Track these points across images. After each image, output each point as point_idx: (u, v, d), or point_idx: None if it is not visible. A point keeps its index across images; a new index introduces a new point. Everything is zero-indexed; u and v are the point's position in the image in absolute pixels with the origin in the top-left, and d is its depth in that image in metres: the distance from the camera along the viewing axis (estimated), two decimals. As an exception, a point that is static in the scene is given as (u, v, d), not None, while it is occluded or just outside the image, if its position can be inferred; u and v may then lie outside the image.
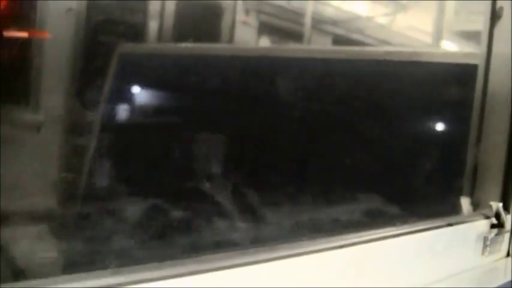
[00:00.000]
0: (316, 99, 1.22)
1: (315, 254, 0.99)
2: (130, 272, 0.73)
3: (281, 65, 1.25)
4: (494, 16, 1.51)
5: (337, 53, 1.50)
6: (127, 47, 0.95)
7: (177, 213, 0.93)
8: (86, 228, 0.88)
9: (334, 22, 1.66)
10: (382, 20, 2.16)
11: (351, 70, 1.38)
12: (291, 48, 1.42)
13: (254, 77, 1.14)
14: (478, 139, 1.56)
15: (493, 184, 1.57)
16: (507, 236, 1.56)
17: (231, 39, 1.18)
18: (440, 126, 1.54)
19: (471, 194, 1.55)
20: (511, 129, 1.54)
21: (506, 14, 1.52)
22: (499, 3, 1.52)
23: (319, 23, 1.51)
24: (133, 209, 0.92)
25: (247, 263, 0.87)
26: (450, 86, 1.52)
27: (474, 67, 1.54)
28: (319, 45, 1.52)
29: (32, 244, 0.80)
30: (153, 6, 1.00)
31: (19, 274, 0.74)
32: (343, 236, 1.06)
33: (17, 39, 0.80)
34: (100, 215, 0.89)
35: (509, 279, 1.45)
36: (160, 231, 0.92)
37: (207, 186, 0.96)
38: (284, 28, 1.39)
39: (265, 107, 1.14)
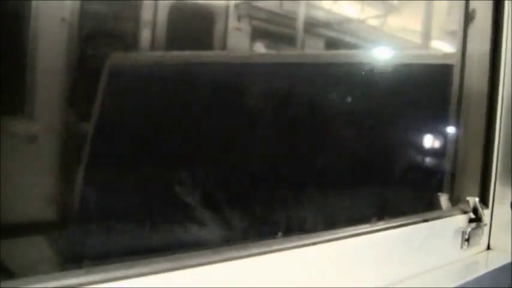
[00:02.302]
0: (292, 103, 1.25)
1: (288, 251, 1.02)
2: (102, 271, 0.77)
3: (270, 70, 1.28)
4: (468, 17, 1.56)
5: (322, 57, 1.53)
6: (119, 57, 0.97)
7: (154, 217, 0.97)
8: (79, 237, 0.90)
9: (327, 25, 1.68)
10: (373, 21, 2.18)
11: (331, 72, 1.41)
12: (281, 54, 1.45)
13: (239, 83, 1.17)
14: (457, 137, 1.60)
15: (472, 180, 1.62)
16: (486, 229, 1.61)
17: (224, 46, 1.20)
18: (419, 126, 1.58)
19: (451, 191, 1.59)
20: (487, 126, 1.58)
21: (479, 15, 1.56)
22: (471, 5, 1.56)
23: (311, 26, 1.54)
24: (126, 218, 0.95)
25: (219, 260, 0.91)
26: (428, 86, 1.56)
27: (450, 67, 1.58)
28: (311, 50, 1.55)
29: (25, 255, 0.82)
30: (146, 15, 1.02)
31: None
32: (317, 234, 1.10)
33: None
34: (93, 225, 0.92)
35: (488, 270, 1.49)
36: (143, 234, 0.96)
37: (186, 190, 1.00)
38: (277, 33, 1.42)
39: (256, 112, 1.18)
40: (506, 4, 1.57)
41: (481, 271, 1.49)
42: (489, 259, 1.60)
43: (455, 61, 1.58)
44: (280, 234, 1.04)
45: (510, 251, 1.62)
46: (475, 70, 1.57)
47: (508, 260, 1.57)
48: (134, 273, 0.81)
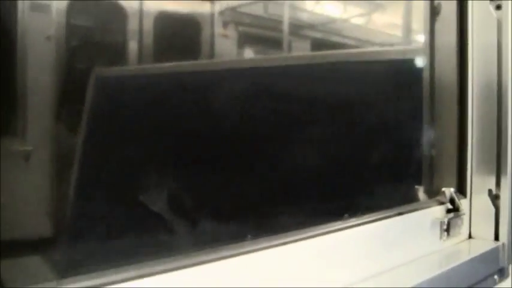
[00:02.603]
0: (268, 100, 1.27)
1: (259, 252, 1.05)
2: (74, 281, 0.80)
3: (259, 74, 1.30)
4: (434, 12, 1.59)
5: (290, 59, 1.55)
6: (104, 70, 0.98)
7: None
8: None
9: (311, 26, 1.70)
10: (358, 20, 2.20)
11: (305, 73, 1.43)
12: (268, 58, 1.47)
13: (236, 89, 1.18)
14: (431, 129, 1.63)
15: (449, 171, 1.64)
16: (466, 219, 1.63)
17: (211, 54, 1.21)
18: (393, 120, 1.60)
19: (428, 183, 1.62)
20: (460, 116, 1.61)
21: (444, 9, 1.59)
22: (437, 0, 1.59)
23: (296, 28, 1.55)
24: (118, 232, 0.98)
25: (189, 264, 0.94)
26: (400, 81, 1.58)
27: (420, 61, 1.61)
28: (297, 51, 1.57)
29: (20, 273, 0.83)
30: (131, 26, 1.03)
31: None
32: (287, 234, 1.12)
33: None
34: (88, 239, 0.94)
35: (469, 258, 1.52)
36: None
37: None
38: (264, 37, 1.43)
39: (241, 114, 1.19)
40: (470, -4, 1.60)
41: (463, 259, 1.51)
42: (471, 247, 1.63)
43: (424, 55, 1.61)
44: (249, 236, 1.06)
45: (491, 238, 1.64)
46: (444, 63, 1.60)
47: (489, 247, 1.59)
48: (103, 282, 0.84)
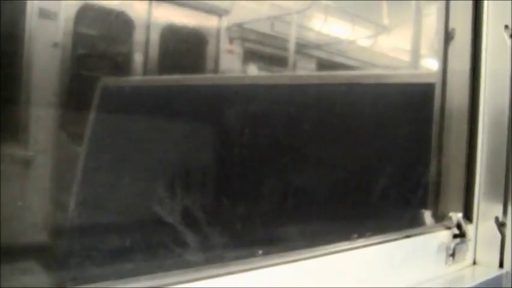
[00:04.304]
0: (276, 123, 1.28)
1: (269, 269, 1.05)
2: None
3: (264, 91, 1.30)
4: (448, 37, 1.60)
5: (298, 79, 1.56)
6: (110, 80, 0.98)
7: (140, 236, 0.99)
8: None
9: (317, 46, 1.70)
10: (364, 42, 2.21)
11: (314, 93, 1.44)
12: (272, 76, 1.47)
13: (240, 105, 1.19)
14: (439, 154, 1.63)
15: (456, 196, 1.64)
16: (471, 244, 1.63)
17: (216, 69, 1.21)
18: (404, 144, 1.60)
19: (435, 207, 1.61)
20: (469, 142, 1.61)
21: (458, 34, 1.60)
22: (451, 25, 1.60)
23: (302, 47, 1.56)
24: (110, 237, 0.97)
25: (200, 278, 0.94)
26: (411, 105, 1.59)
27: (432, 86, 1.61)
28: (302, 70, 1.57)
29: (20, 276, 0.83)
30: (138, 38, 1.03)
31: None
32: (297, 251, 1.12)
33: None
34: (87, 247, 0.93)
35: (473, 284, 1.51)
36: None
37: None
38: (269, 54, 1.43)
39: (240, 131, 1.19)
40: (485, 22, 1.60)
41: (467, 285, 1.51)
42: (475, 273, 1.62)
43: (436, 80, 1.61)
44: (260, 252, 1.06)
45: (496, 265, 1.64)
46: (456, 88, 1.60)
47: (493, 274, 1.59)
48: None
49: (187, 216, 1.01)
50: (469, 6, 1.58)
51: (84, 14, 0.94)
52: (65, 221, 0.93)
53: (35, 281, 0.85)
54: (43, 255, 0.89)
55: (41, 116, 0.89)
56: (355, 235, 1.27)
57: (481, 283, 1.53)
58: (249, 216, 1.12)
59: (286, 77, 1.40)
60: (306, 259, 1.12)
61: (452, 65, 1.60)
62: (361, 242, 1.26)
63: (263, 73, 1.45)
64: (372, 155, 1.49)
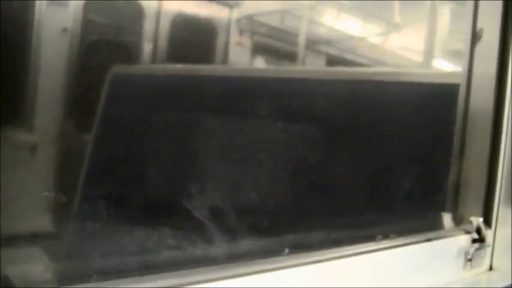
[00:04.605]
0: (302, 118, 1.25)
1: (293, 269, 1.02)
2: (111, 285, 0.77)
3: (274, 86, 1.28)
4: (475, 37, 1.56)
5: (325, 74, 1.53)
6: (121, 68, 0.97)
7: (159, 230, 0.96)
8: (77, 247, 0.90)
9: (328, 42, 1.68)
10: (375, 39, 2.18)
11: (336, 90, 1.41)
12: (282, 70, 1.45)
13: (247, 98, 1.17)
14: (461, 157, 1.60)
15: (476, 200, 1.61)
16: (489, 250, 1.60)
17: (225, 60, 1.20)
18: (424, 145, 1.57)
19: (454, 210, 1.58)
20: (492, 147, 1.58)
21: (486, 35, 1.56)
22: (479, 25, 1.56)
23: (312, 43, 1.53)
24: (125, 228, 0.95)
25: (226, 277, 0.91)
26: (434, 105, 1.56)
27: (456, 86, 1.58)
28: (310, 66, 1.56)
29: (25, 264, 0.81)
30: (148, 27, 1.02)
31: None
32: (323, 251, 1.10)
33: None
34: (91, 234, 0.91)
35: (491, 292, 1.49)
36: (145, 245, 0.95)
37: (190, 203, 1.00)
38: (278, 48, 1.42)
39: (256, 126, 1.18)
40: (514, 23, 1.57)
41: (484, 291, 1.48)
42: (491, 280, 1.59)
43: (461, 80, 1.58)
44: (286, 251, 1.03)
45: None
46: (481, 90, 1.57)
47: (509, 281, 1.56)
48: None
49: (213, 211, 0.98)
50: (498, 6, 1.55)
51: (94, 1, 0.92)
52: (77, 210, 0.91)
53: (39, 270, 0.82)
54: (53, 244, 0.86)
55: (49, 103, 0.87)
56: (380, 236, 1.24)
57: (497, 290, 1.51)
58: (276, 214, 1.09)
59: (298, 72, 1.37)
60: (332, 259, 1.09)
61: (478, 66, 1.57)
62: (385, 243, 1.23)
63: (272, 67, 1.44)
64: (394, 155, 1.46)
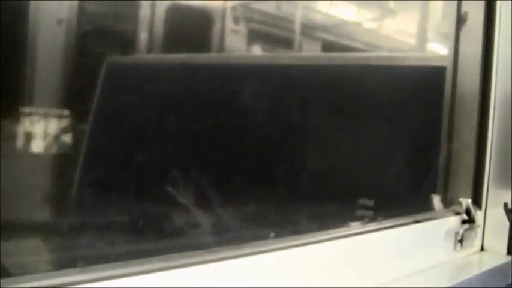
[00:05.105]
0: (288, 101, 1.26)
1: (280, 252, 1.03)
2: (98, 270, 0.78)
3: (269, 72, 1.29)
4: (460, 20, 1.57)
5: (311, 59, 1.54)
6: (117, 58, 0.97)
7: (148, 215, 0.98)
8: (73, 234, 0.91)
9: (323, 28, 1.69)
10: (369, 24, 2.19)
11: (324, 74, 1.42)
12: (277, 56, 1.46)
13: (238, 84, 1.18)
14: (450, 138, 1.61)
15: (465, 181, 1.62)
16: (480, 231, 1.62)
17: (221, 48, 1.20)
18: (412, 127, 1.59)
19: (444, 192, 1.60)
20: (480, 128, 1.59)
21: (471, 18, 1.57)
22: (464, 8, 1.57)
23: (308, 29, 1.54)
24: (120, 218, 0.96)
25: (213, 260, 0.92)
26: (422, 88, 1.57)
27: (443, 69, 1.59)
28: (306, 52, 1.56)
29: (22, 253, 0.82)
30: (143, 16, 1.02)
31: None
32: (309, 234, 1.11)
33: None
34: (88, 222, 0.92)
35: (482, 271, 1.50)
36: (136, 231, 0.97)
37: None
38: (274, 35, 1.42)
39: (251, 113, 1.19)
40: (498, 6, 1.58)
41: (474, 272, 1.50)
42: (482, 260, 1.61)
43: (447, 63, 1.59)
44: (272, 234, 1.04)
45: (504, 252, 1.62)
46: (467, 72, 1.58)
47: (501, 261, 1.58)
48: (128, 272, 0.81)
49: (200, 197, 0.99)
50: (482, -11, 1.56)
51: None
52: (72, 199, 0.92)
53: (38, 260, 0.83)
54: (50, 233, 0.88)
55: (45, 93, 0.88)
56: (367, 219, 1.25)
57: (488, 270, 1.52)
58: (261, 198, 1.10)
59: (293, 58, 1.38)
60: (317, 242, 1.10)
61: (464, 48, 1.58)
62: (372, 225, 1.24)
63: (268, 54, 1.44)
64: (383, 137, 1.47)
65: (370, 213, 1.29)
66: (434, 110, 1.60)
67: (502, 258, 1.60)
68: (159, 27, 1.05)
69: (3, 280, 0.65)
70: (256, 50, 1.38)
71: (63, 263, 0.83)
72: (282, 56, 1.48)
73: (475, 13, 1.57)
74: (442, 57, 1.66)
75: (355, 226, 1.21)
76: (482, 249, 1.64)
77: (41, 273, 0.76)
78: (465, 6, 1.58)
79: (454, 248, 1.51)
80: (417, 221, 1.36)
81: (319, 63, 1.54)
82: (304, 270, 1.08)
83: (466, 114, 1.60)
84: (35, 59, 0.86)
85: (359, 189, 1.35)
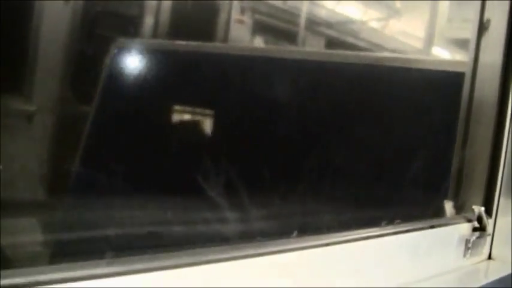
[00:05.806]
0: (306, 100, 1.26)
1: (301, 251, 1.03)
2: (125, 263, 0.77)
3: (274, 65, 1.28)
4: (482, 27, 1.57)
5: (329, 56, 1.53)
6: (122, 41, 0.96)
7: (170, 207, 0.96)
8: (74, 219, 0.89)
9: (328, 24, 1.68)
10: (375, 24, 2.19)
11: (342, 73, 1.42)
12: (284, 49, 1.45)
13: (247, 76, 1.17)
14: (464, 145, 1.61)
15: (477, 189, 1.62)
16: (489, 239, 1.62)
17: (225, 38, 1.20)
18: (427, 132, 1.58)
19: (456, 198, 1.60)
20: (495, 136, 1.59)
21: (493, 26, 1.57)
22: (486, 15, 1.57)
23: (313, 24, 1.53)
24: (126, 201, 0.94)
25: (236, 257, 0.91)
26: (438, 93, 1.56)
27: (461, 75, 1.59)
28: (313, 48, 1.56)
29: (20, 235, 0.81)
30: (150, 1, 1.01)
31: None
32: (330, 235, 1.10)
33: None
34: (91, 206, 0.91)
35: (490, 280, 1.50)
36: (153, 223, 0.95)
37: (200, 180, 1.00)
38: (278, 28, 1.42)
39: (257, 106, 1.18)
40: (522, 15, 1.57)
41: (482, 281, 1.50)
42: (490, 269, 1.61)
43: (466, 69, 1.59)
44: (295, 233, 1.04)
45: (511, 261, 1.62)
46: (486, 80, 1.58)
47: (508, 271, 1.58)
48: (151, 266, 0.80)
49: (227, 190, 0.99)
50: (506, -3, 1.56)
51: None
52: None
53: (34, 241, 0.82)
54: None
55: (50, 74, 0.87)
56: (384, 222, 1.25)
57: (496, 280, 1.52)
58: (286, 196, 1.10)
59: (308, 53, 1.38)
60: (339, 243, 1.10)
61: (484, 56, 1.57)
62: (389, 229, 1.24)
63: (272, 46, 1.43)
64: (397, 141, 1.47)
65: (387, 216, 1.28)
66: (450, 115, 1.60)
67: (508, 268, 1.60)
68: (166, 13, 1.05)
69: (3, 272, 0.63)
70: (260, 42, 1.37)
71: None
72: (286, 50, 1.47)
73: (498, 21, 1.57)
74: (461, 63, 1.66)
75: (375, 229, 1.20)
76: (489, 257, 1.64)
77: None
78: (488, 14, 1.57)
79: (464, 255, 1.51)
80: (432, 226, 1.36)
81: (347, 61, 1.53)
82: (322, 271, 1.08)
83: (481, 122, 1.59)
84: (41, 39, 0.85)
85: (377, 191, 1.34)
